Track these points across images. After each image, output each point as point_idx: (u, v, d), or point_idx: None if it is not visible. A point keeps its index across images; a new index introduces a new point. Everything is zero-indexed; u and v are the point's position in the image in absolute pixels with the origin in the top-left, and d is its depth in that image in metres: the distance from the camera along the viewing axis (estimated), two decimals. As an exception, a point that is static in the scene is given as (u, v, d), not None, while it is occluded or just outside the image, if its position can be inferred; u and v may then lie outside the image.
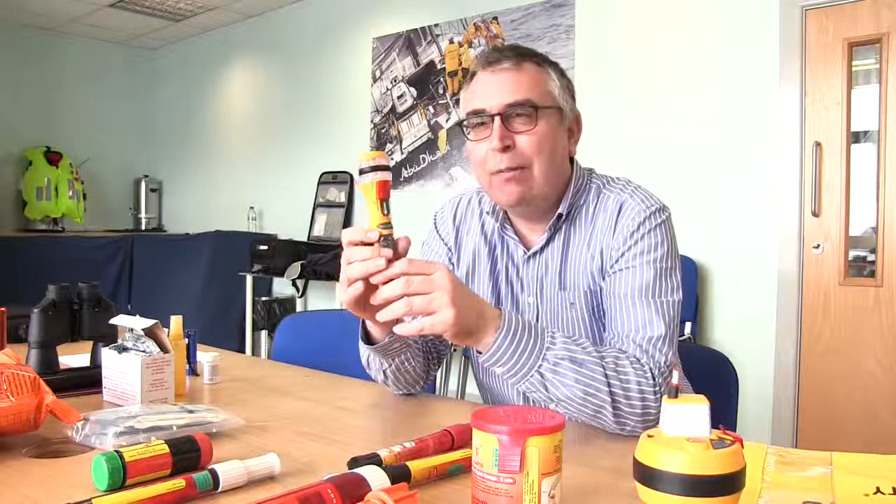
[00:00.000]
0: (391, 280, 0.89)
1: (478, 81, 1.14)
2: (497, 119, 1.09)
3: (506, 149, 1.09)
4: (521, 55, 1.13)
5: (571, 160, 1.20)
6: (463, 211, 1.29)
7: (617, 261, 1.11)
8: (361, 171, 0.91)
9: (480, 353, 0.97)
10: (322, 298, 4.61)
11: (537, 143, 1.10)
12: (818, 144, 2.83)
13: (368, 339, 1.11)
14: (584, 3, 3.52)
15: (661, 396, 0.94)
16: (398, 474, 0.74)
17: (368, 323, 1.08)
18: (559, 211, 1.15)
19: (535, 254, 1.18)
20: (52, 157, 5.44)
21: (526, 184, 1.11)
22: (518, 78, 1.11)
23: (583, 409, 0.99)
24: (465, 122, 1.15)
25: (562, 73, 1.17)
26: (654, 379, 1.01)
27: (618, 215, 1.13)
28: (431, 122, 4.19)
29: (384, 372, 1.17)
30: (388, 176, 0.92)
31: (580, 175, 1.19)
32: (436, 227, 1.32)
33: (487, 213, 1.23)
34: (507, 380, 0.98)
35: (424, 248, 1.33)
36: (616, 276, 1.10)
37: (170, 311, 1.32)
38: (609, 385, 0.98)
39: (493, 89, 1.11)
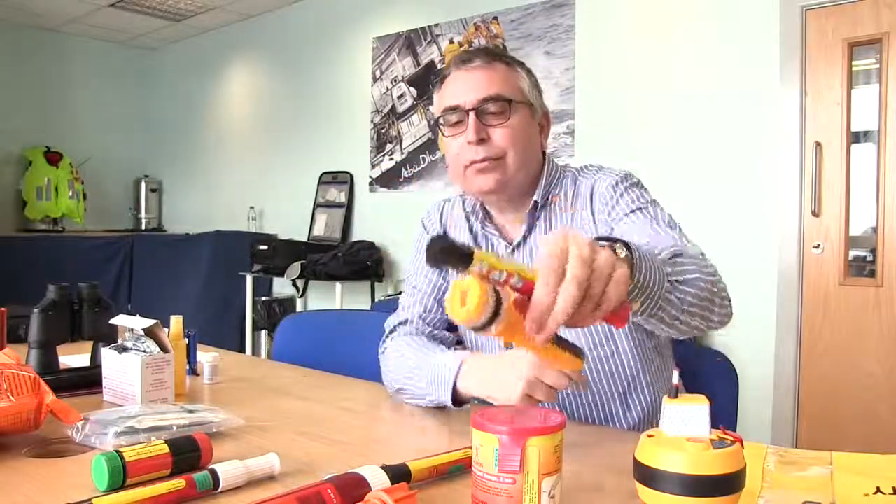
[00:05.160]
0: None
1: (451, 80, 1.19)
2: (472, 114, 1.13)
3: (481, 141, 1.13)
4: (492, 55, 1.18)
5: (544, 155, 1.24)
6: (449, 212, 1.32)
7: (609, 215, 1.14)
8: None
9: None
10: (322, 298, 4.61)
11: (511, 136, 1.14)
12: (818, 144, 2.83)
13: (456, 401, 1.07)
14: (584, 3, 3.52)
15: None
16: (398, 474, 0.74)
17: (463, 390, 1.04)
18: (535, 198, 1.18)
19: (518, 246, 1.21)
20: (52, 157, 5.43)
21: (501, 171, 1.14)
22: (490, 75, 1.15)
23: (704, 292, 0.91)
24: (440, 119, 1.19)
25: (530, 73, 1.22)
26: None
27: (591, 192, 1.18)
28: (431, 122, 4.19)
29: (413, 404, 1.15)
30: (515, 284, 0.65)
31: (552, 166, 1.23)
32: (425, 229, 1.34)
33: (468, 212, 1.26)
34: (647, 305, 0.82)
35: (418, 252, 1.33)
36: (618, 226, 1.13)
37: (170, 311, 1.32)
38: (700, 263, 0.96)
39: (466, 86, 1.15)
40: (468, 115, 1.13)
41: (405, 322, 1.27)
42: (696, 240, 1.08)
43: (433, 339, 1.25)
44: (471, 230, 1.27)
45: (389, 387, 1.21)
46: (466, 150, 1.14)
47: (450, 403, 1.05)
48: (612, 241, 0.76)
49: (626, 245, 0.76)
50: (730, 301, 0.99)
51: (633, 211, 1.12)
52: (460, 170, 1.17)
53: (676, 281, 0.87)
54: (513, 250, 1.21)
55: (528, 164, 1.17)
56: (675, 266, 0.89)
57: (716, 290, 0.95)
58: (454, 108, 1.15)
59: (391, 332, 1.28)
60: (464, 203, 1.29)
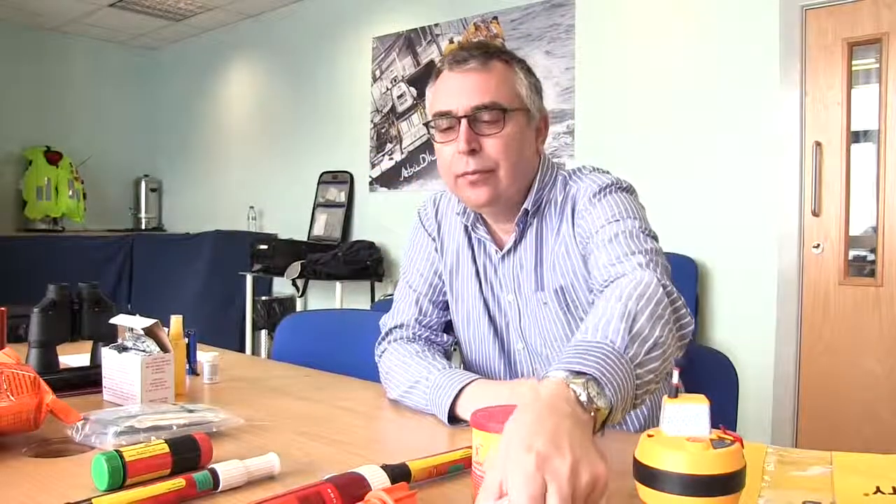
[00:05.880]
0: None
1: (444, 81, 1.12)
2: (464, 122, 1.08)
3: (472, 152, 1.08)
4: (489, 54, 1.11)
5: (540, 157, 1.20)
6: (444, 206, 1.30)
7: (585, 230, 1.10)
8: None
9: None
10: (322, 298, 4.61)
11: (504, 146, 1.09)
12: (818, 144, 2.83)
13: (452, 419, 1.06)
14: (584, 2, 3.52)
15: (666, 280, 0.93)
16: (398, 474, 0.74)
17: (461, 410, 1.03)
18: (525, 206, 1.15)
19: (509, 252, 1.18)
20: (52, 157, 5.43)
21: (493, 185, 1.10)
22: (485, 79, 1.09)
23: (665, 328, 0.85)
24: (431, 124, 1.13)
25: (529, 72, 1.15)
26: (650, 268, 0.96)
27: (573, 204, 1.14)
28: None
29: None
30: None
31: (546, 169, 1.18)
32: (421, 222, 1.32)
33: (458, 213, 1.23)
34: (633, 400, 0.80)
35: (413, 245, 1.33)
36: (589, 245, 1.09)
37: (170, 311, 1.32)
38: (659, 297, 0.88)
39: (459, 90, 1.09)
40: (460, 122, 1.08)
41: (401, 326, 1.25)
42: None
43: (430, 343, 1.24)
44: (465, 229, 1.25)
45: (388, 392, 1.21)
46: (457, 161, 1.09)
47: (447, 423, 1.05)
48: (581, 374, 0.71)
49: (598, 382, 0.71)
50: (689, 314, 0.93)
51: (603, 226, 1.07)
52: (451, 179, 1.13)
53: (644, 359, 0.80)
54: (503, 256, 1.19)
55: (521, 175, 1.13)
56: (637, 340, 0.79)
57: (677, 318, 0.89)
58: (445, 114, 1.10)
59: (387, 333, 1.27)
60: (459, 199, 1.26)
